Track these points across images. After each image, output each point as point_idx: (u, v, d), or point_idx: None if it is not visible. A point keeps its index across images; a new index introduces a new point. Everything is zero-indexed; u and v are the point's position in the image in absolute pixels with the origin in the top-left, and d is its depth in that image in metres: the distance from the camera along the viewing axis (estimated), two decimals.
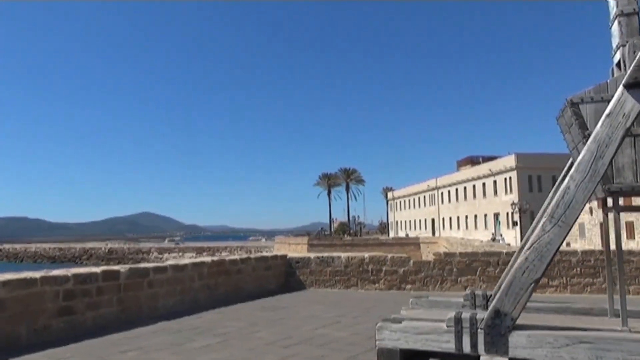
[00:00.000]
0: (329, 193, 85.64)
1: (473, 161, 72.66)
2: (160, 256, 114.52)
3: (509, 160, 54.78)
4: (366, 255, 11.34)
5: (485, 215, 60.19)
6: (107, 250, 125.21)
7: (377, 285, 11.04)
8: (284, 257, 11.25)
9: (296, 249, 62.12)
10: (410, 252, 58.46)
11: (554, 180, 43.90)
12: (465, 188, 65.06)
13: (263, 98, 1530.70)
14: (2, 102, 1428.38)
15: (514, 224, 53.40)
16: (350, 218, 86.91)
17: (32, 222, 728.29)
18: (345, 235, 69.72)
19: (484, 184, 60.49)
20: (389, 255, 11.23)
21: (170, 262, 8.42)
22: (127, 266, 7.47)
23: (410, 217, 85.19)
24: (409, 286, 10.95)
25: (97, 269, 6.90)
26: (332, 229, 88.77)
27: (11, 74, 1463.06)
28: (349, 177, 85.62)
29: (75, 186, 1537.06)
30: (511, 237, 52.05)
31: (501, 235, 53.59)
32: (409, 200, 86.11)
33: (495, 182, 57.94)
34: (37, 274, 6.08)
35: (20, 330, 5.83)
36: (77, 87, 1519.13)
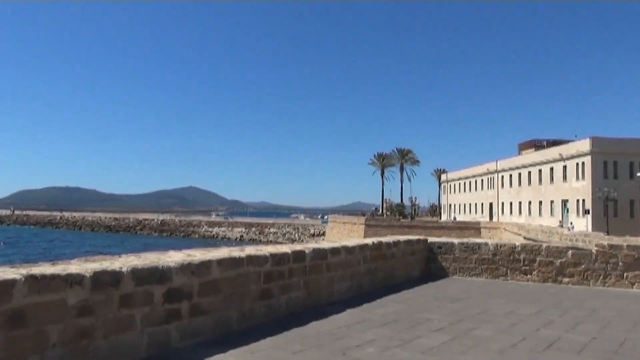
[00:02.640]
0: (382, 173, 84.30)
1: (536, 145, 69.51)
2: (211, 230, 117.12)
3: (583, 145, 51.70)
4: (517, 243, 10.34)
5: (552, 202, 57.44)
6: (159, 222, 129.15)
7: (529, 276, 10.03)
8: (425, 241, 10.41)
9: (352, 229, 61.57)
10: (470, 237, 56.81)
11: (632, 166, 40.68)
12: (529, 172, 62.26)
13: (308, 74, 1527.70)
14: (63, 80, 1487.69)
15: (585, 212, 50.70)
16: (405, 199, 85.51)
17: (86, 192, 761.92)
18: (401, 217, 68.46)
19: (551, 169, 57.60)
20: (544, 245, 10.19)
21: (344, 242, 7.69)
22: (310, 246, 6.77)
23: (465, 200, 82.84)
24: (566, 279, 9.89)
25: (287, 249, 6.23)
26: (384, 210, 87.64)
27: (71, 49, 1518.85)
28: (404, 158, 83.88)
29: (127, 159, 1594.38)
30: (581, 225, 49.44)
31: (571, 223, 51.00)
32: (465, 183, 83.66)
33: (565, 167, 55.00)
34: (241, 253, 5.44)
35: (231, 314, 5.23)
36: (130, 63, 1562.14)
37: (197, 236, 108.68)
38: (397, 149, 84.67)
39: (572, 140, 55.78)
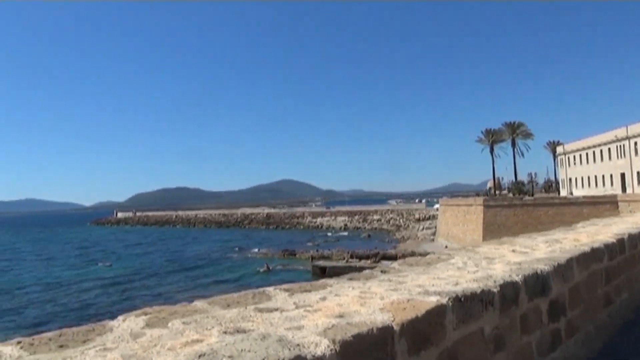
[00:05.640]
0: (492, 150, 79.18)
1: None
2: (314, 220, 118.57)
3: None
4: None
5: None
6: (265, 215, 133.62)
7: None
8: None
9: (467, 211, 58.24)
10: (606, 212, 51.00)
11: None
12: None
13: (391, 57, 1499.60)
14: (164, 89, 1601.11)
15: None
16: (519, 175, 79.80)
17: (191, 191, 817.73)
18: (526, 195, 63.54)
19: None
20: None
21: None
22: (624, 231, 5.15)
23: (588, 172, 75.11)
24: None
25: (609, 237, 4.66)
26: (495, 189, 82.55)
27: (138, 45, 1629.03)
28: (515, 132, 78.04)
29: (226, 158, 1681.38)
30: None
31: None
32: (586, 154, 75.86)
33: None
34: (586, 246, 3.96)
35: (589, 329, 3.80)
36: (207, 63, 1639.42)
37: (302, 227, 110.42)
38: (506, 123, 78.98)
39: None
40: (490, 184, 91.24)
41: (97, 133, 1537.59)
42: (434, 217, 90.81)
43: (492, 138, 77.50)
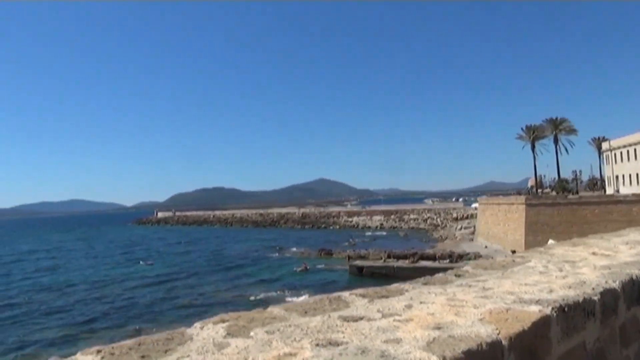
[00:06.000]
0: (533, 147, 76.84)
1: None
2: (350, 219, 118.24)
3: None
4: None
5: None
6: (300, 215, 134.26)
7: None
8: None
9: (509, 210, 56.70)
10: None
11: None
12: None
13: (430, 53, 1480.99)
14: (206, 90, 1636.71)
15: None
16: (561, 173, 77.13)
17: (229, 191, 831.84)
18: (570, 194, 61.34)
19: None
20: None
21: None
22: None
23: (638, 169, 71.85)
24: None
25: None
26: (537, 187, 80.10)
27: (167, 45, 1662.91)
28: (557, 128, 75.49)
29: (260, 157, 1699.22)
30: None
31: None
32: (635, 150, 72.49)
33: None
34: None
35: None
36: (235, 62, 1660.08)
37: (338, 227, 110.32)
38: (548, 119, 76.52)
39: None
40: (531, 182, 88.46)
41: (138, 136, 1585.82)
42: (472, 216, 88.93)
43: (533, 135, 75.20)
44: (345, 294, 2.40)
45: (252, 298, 35.49)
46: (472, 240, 67.80)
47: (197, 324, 1.97)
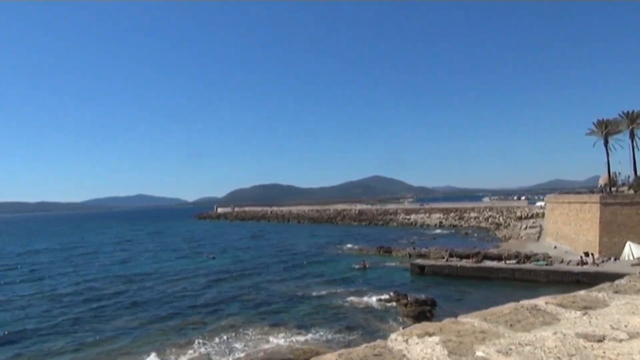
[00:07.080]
0: (606, 143, 72.07)
1: None
2: (408, 217, 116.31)
3: None
4: None
5: None
6: (357, 212, 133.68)
7: None
8: None
9: (581, 210, 53.63)
10: None
11: None
12: None
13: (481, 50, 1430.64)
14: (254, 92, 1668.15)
15: None
16: (638, 171, 71.95)
17: (285, 187, 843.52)
18: None
19: None
20: None
21: None
22: None
23: None
24: None
25: None
26: (610, 185, 75.10)
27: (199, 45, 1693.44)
28: (634, 122, 70.39)
29: (318, 154, 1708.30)
30: None
31: None
32: None
33: None
34: None
35: None
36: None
37: (395, 224, 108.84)
38: (623, 113, 71.52)
39: None
40: (603, 180, 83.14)
41: (199, 133, 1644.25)
42: (537, 215, 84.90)
43: (605, 130, 70.56)
44: (541, 303, 2.13)
45: (314, 294, 35.58)
46: (538, 239, 64.86)
47: (397, 336, 1.76)
